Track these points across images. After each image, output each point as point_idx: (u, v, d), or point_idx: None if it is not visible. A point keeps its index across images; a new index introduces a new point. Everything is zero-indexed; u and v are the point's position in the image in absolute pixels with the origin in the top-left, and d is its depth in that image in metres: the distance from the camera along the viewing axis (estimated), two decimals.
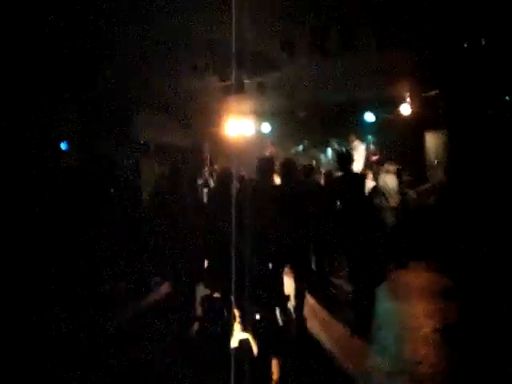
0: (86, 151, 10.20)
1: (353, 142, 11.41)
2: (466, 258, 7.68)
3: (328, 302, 7.14)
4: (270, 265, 6.10)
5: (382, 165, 9.93)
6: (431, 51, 8.29)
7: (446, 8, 6.90)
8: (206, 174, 11.81)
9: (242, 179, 7.83)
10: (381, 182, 9.29)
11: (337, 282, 7.94)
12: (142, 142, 11.79)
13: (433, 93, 10.74)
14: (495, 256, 7.20)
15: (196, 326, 6.34)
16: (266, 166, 6.36)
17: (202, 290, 6.63)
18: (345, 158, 6.90)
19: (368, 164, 10.96)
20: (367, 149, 11.43)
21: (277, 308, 6.07)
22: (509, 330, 5.39)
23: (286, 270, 6.50)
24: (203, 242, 6.39)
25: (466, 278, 7.00)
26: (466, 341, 5.48)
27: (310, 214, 6.29)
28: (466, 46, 8.07)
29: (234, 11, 6.27)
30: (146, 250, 8.14)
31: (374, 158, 11.18)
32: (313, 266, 7.51)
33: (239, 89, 9.60)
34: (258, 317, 5.91)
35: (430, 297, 7.14)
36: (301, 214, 6.05)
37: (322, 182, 9.35)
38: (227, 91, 9.83)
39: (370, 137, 11.88)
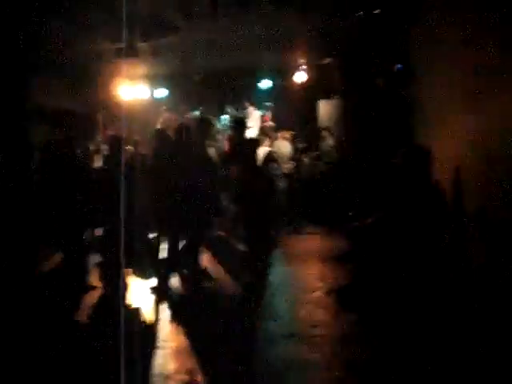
0: None
1: (247, 108, 11.49)
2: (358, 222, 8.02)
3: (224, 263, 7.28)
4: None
5: (277, 131, 10.13)
6: (327, 19, 8.43)
7: None
8: (99, 139, 11.45)
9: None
10: (275, 148, 9.43)
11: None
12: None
13: (327, 61, 11.01)
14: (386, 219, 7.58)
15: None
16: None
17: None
18: (239, 124, 6.96)
19: (263, 130, 11.09)
20: (262, 115, 11.55)
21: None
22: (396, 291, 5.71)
23: None
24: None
25: (359, 241, 7.31)
26: (358, 302, 5.68)
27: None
28: (360, 14, 8.29)
29: None
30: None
31: (268, 124, 11.33)
32: None
33: (132, 52, 9.32)
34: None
35: (323, 260, 7.42)
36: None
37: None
38: (120, 54, 9.51)
39: (266, 103, 12.00)
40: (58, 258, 7.08)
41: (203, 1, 7.51)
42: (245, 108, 11.54)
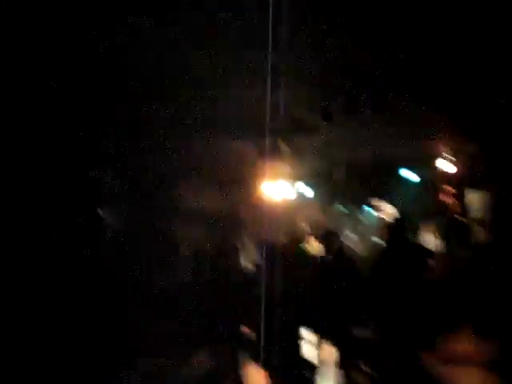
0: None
1: (379, 207, 11.26)
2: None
3: None
4: None
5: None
6: (470, 105, 8.21)
7: (482, 64, 6.86)
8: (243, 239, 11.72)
9: None
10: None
11: None
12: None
13: (472, 148, 10.59)
14: None
15: None
16: None
17: None
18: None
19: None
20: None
21: None
22: None
23: None
24: None
25: None
26: None
27: None
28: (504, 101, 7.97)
29: (269, 76, 6.36)
30: None
31: None
32: None
33: (276, 153, 9.65)
34: None
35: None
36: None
37: None
38: (263, 155, 9.88)
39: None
40: None
41: (341, 101, 7.65)
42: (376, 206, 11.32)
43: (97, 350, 5.53)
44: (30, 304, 5.73)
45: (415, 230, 6.59)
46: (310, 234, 11.10)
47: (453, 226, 9.57)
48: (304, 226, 11.87)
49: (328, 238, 6.54)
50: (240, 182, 12.78)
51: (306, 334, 6.30)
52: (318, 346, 6.12)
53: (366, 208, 12.04)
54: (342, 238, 10.61)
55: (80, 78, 6.63)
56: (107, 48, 6.20)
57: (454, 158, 11.14)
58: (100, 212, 8.74)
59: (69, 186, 7.41)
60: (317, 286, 6.18)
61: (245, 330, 6.25)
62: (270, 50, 5.65)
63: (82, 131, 7.36)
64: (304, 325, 6.21)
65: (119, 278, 7.47)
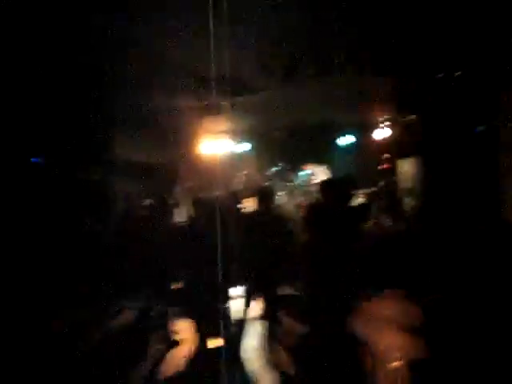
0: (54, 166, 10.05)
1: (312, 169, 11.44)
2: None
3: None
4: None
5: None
6: (408, 76, 8.38)
7: (425, 35, 6.99)
8: (178, 193, 11.70)
9: None
10: None
11: None
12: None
13: (407, 118, 10.86)
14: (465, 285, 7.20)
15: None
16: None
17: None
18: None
19: None
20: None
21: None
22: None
23: None
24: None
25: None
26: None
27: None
28: (443, 75, 8.20)
29: (211, 32, 6.29)
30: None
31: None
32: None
33: (215, 110, 9.63)
34: None
35: (399, 329, 7.01)
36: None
37: None
38: (203, 111, 9.84)
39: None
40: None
41: (284, 62, 7.65)
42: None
43: None
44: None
45: (347, 195, 6.74)
46: (245, 191, 11.23)
47: (384, 194, 9.90)
48: (239, 182, 11.98)
49: (261, 196, 6.59)
50: (181, 136, 12.72)
51: (233, 290, 6.44)
52: (246, 303, 6.27)
53: (302, 171, 12.20)
54: (275, 198, 10.82)
55: None
56: None
57: (389, 126, 11.44)
58: None
59: None
60: (247, 243, 6.27)
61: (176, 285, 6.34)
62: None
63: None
64: (233, 281, 6.34)
65: None
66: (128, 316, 7.65)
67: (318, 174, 11.22)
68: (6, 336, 5.56)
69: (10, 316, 5.79)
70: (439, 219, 8.51)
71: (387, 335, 6.81)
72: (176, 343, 6.31)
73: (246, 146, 13.52)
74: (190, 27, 6.49)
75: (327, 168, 11.24)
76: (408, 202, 9.84)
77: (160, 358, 6.06)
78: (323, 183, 7.09)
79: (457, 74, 7.84)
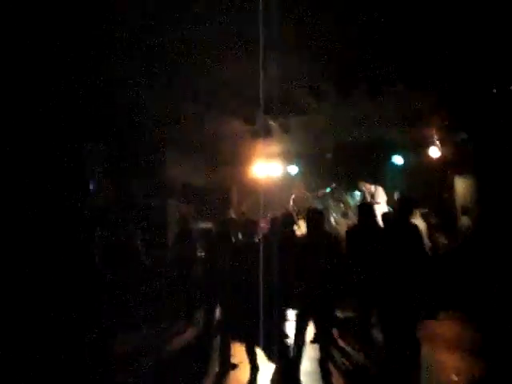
0: (113, 191, 10.31)
1: (369, 188, 11.25)
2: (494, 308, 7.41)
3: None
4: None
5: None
6: (460, 94, 8.24)
7: (477, 52, 6.88)
8: (232, 215, 11.78)
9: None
10: None
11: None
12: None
13: (462, 136, 10.66)
14: None
15: None
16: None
17: None
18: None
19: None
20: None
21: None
22: None
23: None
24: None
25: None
26: None
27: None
28: (495, 90, 8.03)
29: (261, 55, 6.37)
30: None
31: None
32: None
33: (267, 132, 9.70)
34: None
35: (459, 351, 6.81)
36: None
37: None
38: (255, 134, 9.93)
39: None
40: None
41: (332, 81, 7.65)
42: (367, 188, 11.30)
43: None
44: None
45: (403, 214, 6.62)
46: (297, 213, 11.20)
47: (439, 213, 9.70)
48: (291, 205, 11.95)
49: (313, 217, 6.52)
50: (231, 160, 12.89)
51: (290, 312, 6.40)
52: (302, 327, 6.22)
53: (354, 190, 12.06)
54: (327, 218, 10.71)
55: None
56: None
57: (443, 145, 11.22)
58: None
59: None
60: (301, 265, 6.22)
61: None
62: (261, 27, 5.70)
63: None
64: (288, 303, 6.30)
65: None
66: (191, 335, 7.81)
67: (374, 193, 11.05)
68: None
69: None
70: (496, 238, 8.27)
71: (447, 356, 6.62)
72: (234, 366, 6.33)
73: (298, 168, 13.53)
74: (241, 51, 6.58)
75: (382, 187, 11.08)
76: (464, 221, 9.61)
77: (219, 381, 6.08)
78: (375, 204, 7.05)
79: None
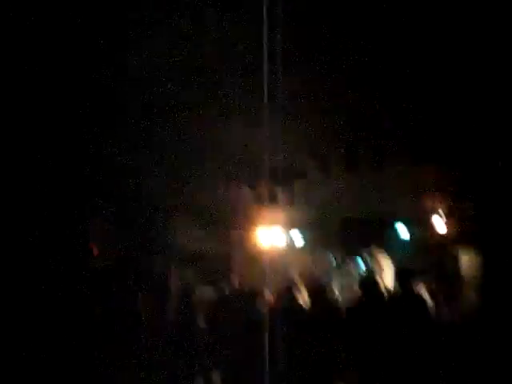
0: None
1: (377, 258, 11.20)
2: None
3: None
4: None
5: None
6: (464, 165, 8.29)
7: (479, 122, 6.98)
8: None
9: None
10: None
11: None
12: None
13: (467, 206, 10.65)
14: None
15: None
16: None
17: None
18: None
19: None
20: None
21: None
22: None
23: None
24: None
25: None
26: None
27: None
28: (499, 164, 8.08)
29: (266, 125, 6.47)
30: None
31: None
32: None
33: (272, 199, 9.73)
34: None
35: None
36: None
37: None
38: (258, 200, 9.96)
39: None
40: None
41: (340, 153, 7.74)
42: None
43: None
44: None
45: (406, 285, 6.54)
46: (300, 284, 11.04)
47: (444, 284, 9.54)
48: (294, 275, 11.80)
49: (316, 289, 6.47)
50: (234, 225, 12.86)
51: None
52: None
53: (358, 260, 11.95)
54: (330, 290, 10.54)
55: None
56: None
57: (447, 216, 11.20)
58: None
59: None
60: (304, 337, 6.10)
61: None
62: (266, 96, 5.81)
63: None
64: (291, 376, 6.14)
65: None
66: None
67: (380, 264, 10.97)
68: None
69: None
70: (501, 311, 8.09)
71: None
72: None
73: (302, 236, 13.48)
74: (246, 116, 6.69)
75: (387, 258, 11.00)
76: (469, 292, 9.43)
77: None
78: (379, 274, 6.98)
79: None
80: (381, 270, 10.51)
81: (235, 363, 6.16)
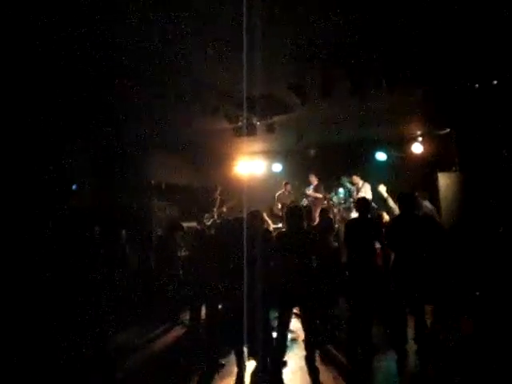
0: (97, 191, 10.24)
1: (358, 183, 11.31)
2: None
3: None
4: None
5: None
6: (443, 89, 8.27)
7: (458, 48, 6.90)
8: (215, 215, 11.77)
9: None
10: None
11: None
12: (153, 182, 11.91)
13: (445, 131, 10.73)
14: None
15: None
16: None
17: None
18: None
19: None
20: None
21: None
22: None
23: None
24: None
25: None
26: None
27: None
28: (477, 86, 8.08)
29: (245, 55, 6.34)
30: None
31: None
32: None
33: (251, 130, 9.67)
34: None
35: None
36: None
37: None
38: (239, 132, 9.90)
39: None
40: None
41: (317, 82, 7.64)
42: (355, 183, 11.39)
43: None
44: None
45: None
46: (280, 211, 11.23)
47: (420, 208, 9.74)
48: (276, 202, 11.97)
49: (294, 213, 6.50)
50: (217, 159, 12.90)
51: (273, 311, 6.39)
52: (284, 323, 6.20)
53: (338, 187, 12.08)
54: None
55: None
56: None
57: (426, 141, 11.31)
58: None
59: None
60: (282, 261, 6.20)
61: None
62: (244, 28, 5.66)
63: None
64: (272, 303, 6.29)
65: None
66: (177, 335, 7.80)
67: (361, 189, 11.10)
68: None
69: None
70: (479, 233, 8.32)
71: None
72: (222, 366, 6.35)
73: (282, 166, 13.59)
74: (225, 50, 6.53)
75: (367, 184, 11.11)
76: (447, 217, 9.62)
77: (206, 381, 6.06)
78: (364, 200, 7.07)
79: (494, 83, 7.72)
80: (363, 193, 10.62)
81: (219, 291, 6.27)
